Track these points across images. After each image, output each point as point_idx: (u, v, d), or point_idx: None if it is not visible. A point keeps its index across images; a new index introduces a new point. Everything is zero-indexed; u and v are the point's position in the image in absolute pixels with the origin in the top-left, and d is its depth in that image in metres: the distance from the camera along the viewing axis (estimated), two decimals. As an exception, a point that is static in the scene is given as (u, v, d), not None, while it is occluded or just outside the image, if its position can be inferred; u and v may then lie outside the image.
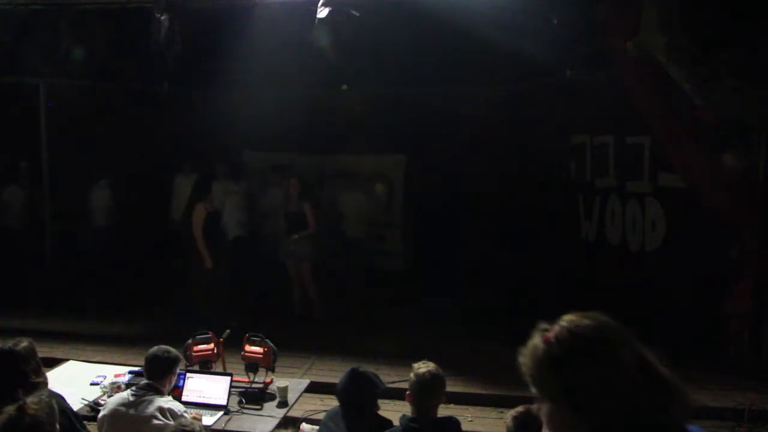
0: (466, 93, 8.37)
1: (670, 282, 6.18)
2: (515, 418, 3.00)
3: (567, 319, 1.41)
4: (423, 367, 3.16)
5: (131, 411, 3.36)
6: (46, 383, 3.32)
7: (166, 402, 3.42)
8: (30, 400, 2.53)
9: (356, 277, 8.03)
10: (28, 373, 3.20)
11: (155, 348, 3.60)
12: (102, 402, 3.78)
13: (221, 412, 3.80)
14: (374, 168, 9.20)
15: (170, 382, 3.60)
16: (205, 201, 7.18)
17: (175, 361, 3.58)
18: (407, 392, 3.17)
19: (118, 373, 4.34)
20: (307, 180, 8.06)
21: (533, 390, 1.43)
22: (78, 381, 4.29)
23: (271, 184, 8.52)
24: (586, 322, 1.39)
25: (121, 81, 8.78)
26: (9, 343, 3.26)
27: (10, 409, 2.45)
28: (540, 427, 3.07)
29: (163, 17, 6.23)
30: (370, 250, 8.46)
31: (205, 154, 8.65)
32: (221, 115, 8.62)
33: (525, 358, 1.42)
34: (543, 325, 1.42)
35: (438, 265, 8.11)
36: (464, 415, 4.96)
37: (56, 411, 2.60)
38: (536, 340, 1.41)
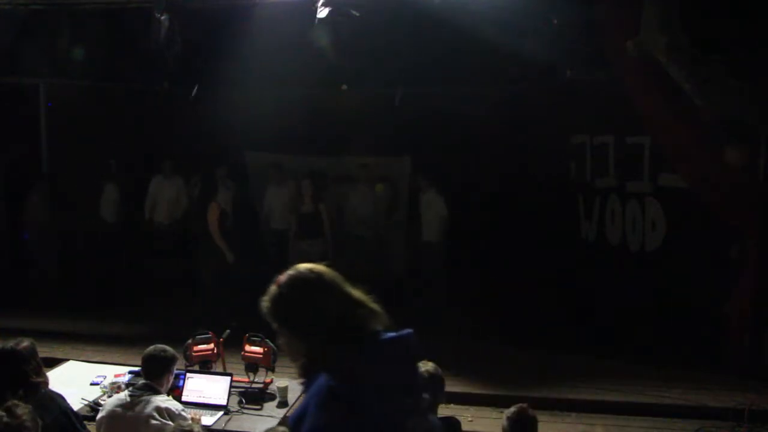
0: (466, 93, 8.35)
1: (670, 282, 6.18)
2: (509, 418, 3.00)
3: (293, 267, 1.84)
4: (422, 366, 3.15)
5: (129, 412, 3.35)
6: (46, 383, 3.32)
7: (164, 401, 3.41)
8: (18, 404, 2.56)
9: (357, 277, 7.97)
10: (29, 373, 3.20)
11: (152, 347, 3.58)
12: (102, 402, 3.77)
13: (221, 412, 3.80)
14: (377, 170, 9.16)
15: (168, 382, 3.59)
16: (217, 199, 7.15)
17: (172, 360, 3.57)
18: (407, 392, 3.16)
19: (118, 373, 4.34)
20: (319, 180, 7.98)
21: (273, 326, 1.81)
22: (78, 381, 4.28)
23: (271, 183, 8.51)
24: (306, 268, 1.83)
25: (121, 81, 8.78)
26: (10, 343, 3.26)
27: None
28: (535, 426, 3.09)
29: (163, 17, 6.21)
30: (448, 258, 7.63)
31: (204, 154, 8.64)
32: (221, 115, 8.62)
33: (265, 300, 1.82)
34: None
35: (438, 265, 8.08)
36: (464, 415, 4.95)
37: (39, 426, 2.62)
38: (272, 286, 1.82)
